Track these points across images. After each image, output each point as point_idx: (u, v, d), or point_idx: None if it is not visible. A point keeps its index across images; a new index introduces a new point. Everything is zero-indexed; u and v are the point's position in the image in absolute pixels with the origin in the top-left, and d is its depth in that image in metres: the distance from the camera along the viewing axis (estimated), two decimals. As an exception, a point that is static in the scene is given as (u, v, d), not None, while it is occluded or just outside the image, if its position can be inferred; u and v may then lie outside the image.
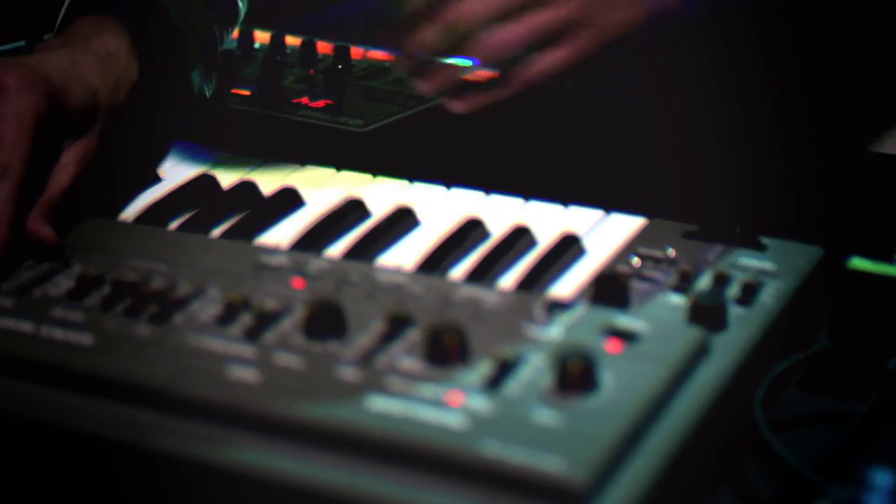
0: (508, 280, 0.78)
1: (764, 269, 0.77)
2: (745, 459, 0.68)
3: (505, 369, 0.65)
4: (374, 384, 0.65)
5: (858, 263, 0.76)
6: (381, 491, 0.60)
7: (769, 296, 0.74)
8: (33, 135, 0.80)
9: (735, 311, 0.72)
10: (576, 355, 0.64)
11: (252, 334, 0.70)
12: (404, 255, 0.82)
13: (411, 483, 0.60)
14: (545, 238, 0.83)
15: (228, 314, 0.71)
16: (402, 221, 0.85)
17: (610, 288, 0.73)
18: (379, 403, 0.63)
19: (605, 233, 0.83)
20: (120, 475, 0.65)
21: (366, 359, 0.67)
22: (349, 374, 0.66)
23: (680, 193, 0.87)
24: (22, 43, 1.23)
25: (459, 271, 0.79)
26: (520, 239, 0.82)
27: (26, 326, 0.71)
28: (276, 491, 0.62)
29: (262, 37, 1.21)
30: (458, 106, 0.94)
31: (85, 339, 0.70)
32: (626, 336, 0.68)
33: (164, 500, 0.64)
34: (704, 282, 0.76)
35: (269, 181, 0.90)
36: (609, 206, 0.87)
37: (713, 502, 0.67)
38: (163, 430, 0.65)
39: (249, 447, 0.63)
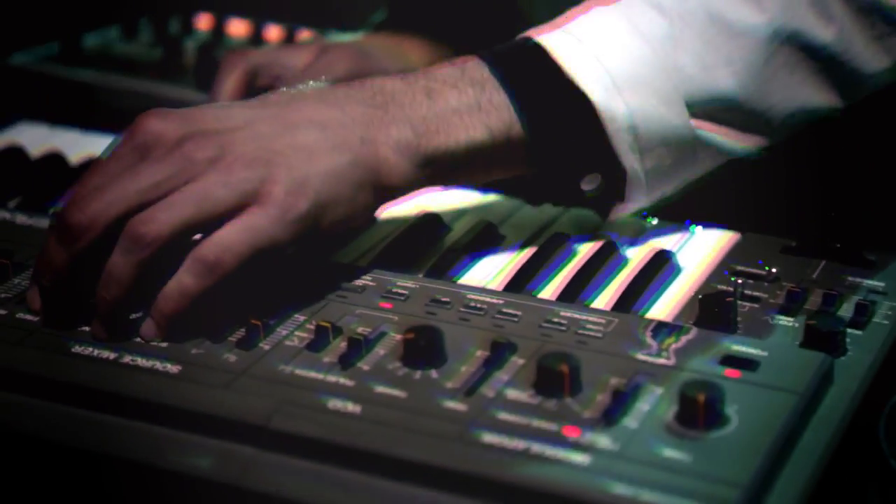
0: (602, 300, 0.75)
1: (874, 288, 0.74)
2: (867, 487, 0.65)
3: (621, 400, 0.61)
4: (483, 417, 0.61)
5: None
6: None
7: (884, 316, 0.71)
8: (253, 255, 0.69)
9: (851, 334, 0.69)
10: (699, 386, 0.60)
11: (346, 362, 0.66)
12: (486, 273, 0.78)
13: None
14: (632, 254, 0.79)
15: (319, 340, 0.68)
16: (484, 237, 0.82)
17: (715, 309, 0.70)
18: (491, 438, 0.60)
19: (696, 248, 0.80)
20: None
21: (470, 389, 0.64)
22: (455, 405, 0.62)
23: (770, 205, 0.83)
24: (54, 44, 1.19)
25: (549, 291, 0.76)
26: (608, 255, 0.79)
27: (108, 353, 0.67)
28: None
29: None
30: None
31: (170, 366, 0.66)
32: (745, 363, 0.64)
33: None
34: (813, 302, 0.72)
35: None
36: (689, 218, 0.83)
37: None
38: (262, 467, 0.61)
39: (353, 486, 0.60)
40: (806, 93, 0.77)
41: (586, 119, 0.75)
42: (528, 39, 0.77)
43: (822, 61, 0.76)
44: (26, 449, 0.66)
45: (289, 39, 1.23)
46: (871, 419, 0.66)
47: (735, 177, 0.80)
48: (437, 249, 0.81)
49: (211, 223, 0.68)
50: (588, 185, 0.77)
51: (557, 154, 0.76)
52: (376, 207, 0.74)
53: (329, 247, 0.79)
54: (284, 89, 0.75)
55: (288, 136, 0.71)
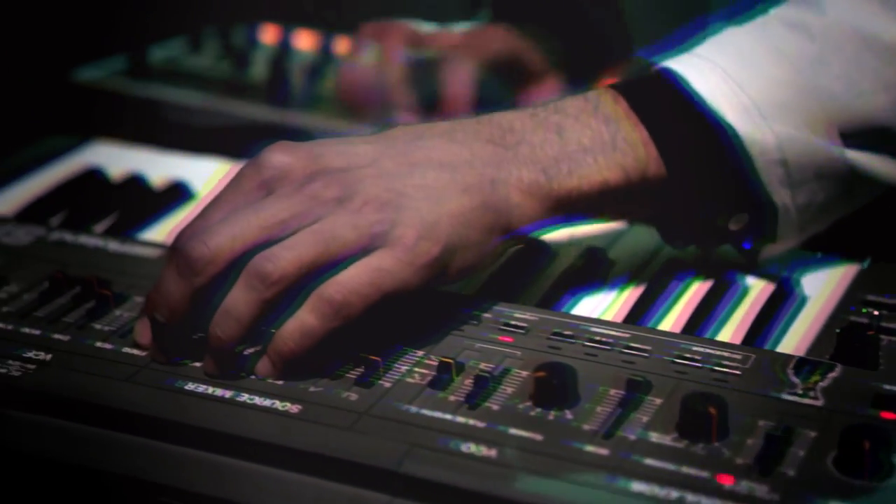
0: (726, 333, 0.72)
1: None
2: None
3: (774, 445, 0.58)
4: (628, 462, 0.58)
5: None
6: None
7: None
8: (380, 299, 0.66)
9: None
10: (862, 431, 0.57)
11: (473, 402, 0.63)
12: (599, 303, 0.75)
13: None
14: (751, 283, 0.76)
15: (441, 377, 0.65)
16: (592, 264, 0.79)
17: (856, 344, 0.66)
18: (640, 486, 0.57)
19: (818, 278, 0.77)
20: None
21: (608, 432, 0.60)
22: (596, 450, 0.59)
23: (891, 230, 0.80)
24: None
25: (669, 322, 0.73)
26: (726, 284, 0.75)
27: (223, 392, 0.64)
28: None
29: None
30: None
31: (289, 406, 0.63)
32: (897, 404, 0.61)
33: None
34: (953, 336, 0.69)
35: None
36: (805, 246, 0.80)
37: None
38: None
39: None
40: None
41: (731, 153, 0.71)
42: (660, 67, 0.73)
43: None
44: (136, 492, 0.63)
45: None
46: None
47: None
48: (544, 277, 0.78)
49: (337, 265, 0.65)
50: (735, 224, 0.73)
51: (700, 192, 0.72)
52: (504, 250, 0.71)
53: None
54: (407, 125, 0.72)
55: (416, 176, 0.68)
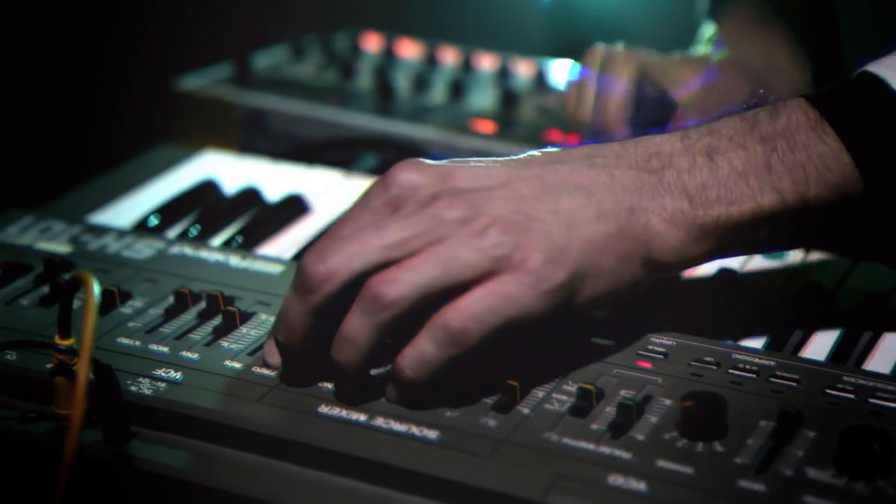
0: (876, 363, 0.69)
1: None
2: None
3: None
4: (784, 500, 0.56)
5: None
6: None
7: None
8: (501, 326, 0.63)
9: None
10: None
11: (618, 431, 0.61)
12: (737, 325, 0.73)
13: None
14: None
15: (582, 404, 0.62)
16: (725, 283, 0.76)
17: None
18: (801, 526, 0.54)
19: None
20: None
21: (762, 465, 0.58)
22: (752, 486, 0.57)
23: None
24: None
25: (814, 350, 0.70)
26: (874, 310, 0.72)
27: (358, 416, 0.63)
28: None
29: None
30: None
31: (427, 432, 0.61)
32: None
33: None
34: None
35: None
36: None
37: None
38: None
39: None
40: None
41: None
42: (857, 73, 0.67)
43: None
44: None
45: (466, 62, 1.19)
46: None
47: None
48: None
49: (458, 289, 0.62)
50: None
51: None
52: (647, 283, 0.67)
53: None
54: (548, 149, 0.69)
55: (549, 200, 0.65)
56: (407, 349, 0.63)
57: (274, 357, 0.66)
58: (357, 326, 0.63)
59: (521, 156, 0.68)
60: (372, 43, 1.25)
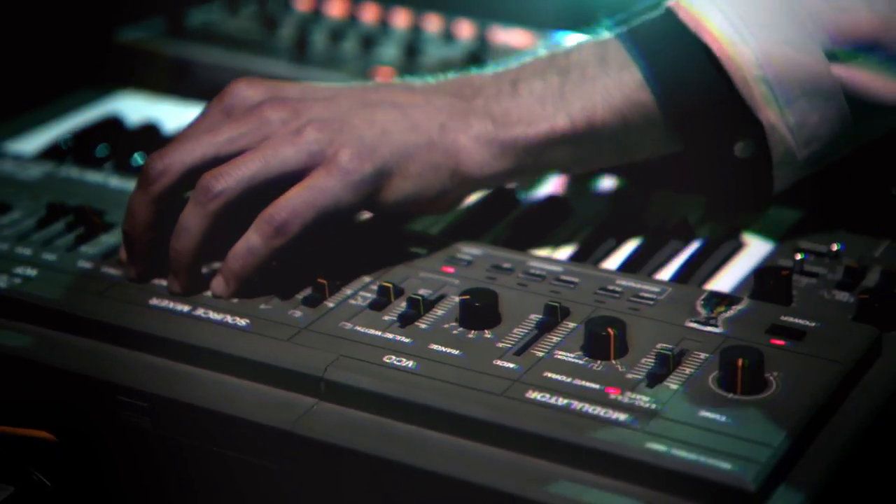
0: (665, 273, 0.76)
1: (936, 267, 0.74)
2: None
3: (666, 365, 0.63)
4: (532, 376, 0.64)
5: None
6: (542, 488, 0.59)
7: (942, 294, 0.71)
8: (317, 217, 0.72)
9: (906, 310, 0.69)
10: (742, 353, 0.61)
11: (406, 322, 0.69)
12: (556, 245, 0.80)
13: (572, 478, 0.59)
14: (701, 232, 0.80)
15: (380, 299, 0.71)
16: (556, 211, 0.84)
17: (771, 283, 0.71)
18: (535, 394, 0.62)
19: (764, 227, 0.81)
20: (271, 458, 0.65)
21: (521, 349, 0.66)
22: (505, 363, 0.65)
23: (838, 186, 0.83)
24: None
25: (614, 262, 0.78)
26: (679, 232, 0.80)
27: (182, 307, 0.71)
28: (432, 482, 0.61)
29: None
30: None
31: (239, 320, 0.70)
32: (793, 334, 0.65)
33: (322, 487, 0.64)
34: (872, 278, 0.73)
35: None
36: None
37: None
38: (317, 416, 0.64)
39: (404, 437, 0.62)
40: None
41: (713, 77, 0.72)
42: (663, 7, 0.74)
43: None
44: (99, 390, 0.69)
45: (385, 20, 1.26)
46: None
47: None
48: (510, 223, 0.83)
49: (280, 183, 0.71)
50: (742, 152, 0.73)
51: (698, 126, 0.73)
52: (459, 195, 0.76)
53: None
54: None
55: (366, 112, 0.73)
56: (237, 244, 0.72)
57: (123, 255, 0.74)
58: (190, 215, 0.71)
59: (354, 82, 0.77)
60: (302, 2, 1.33)
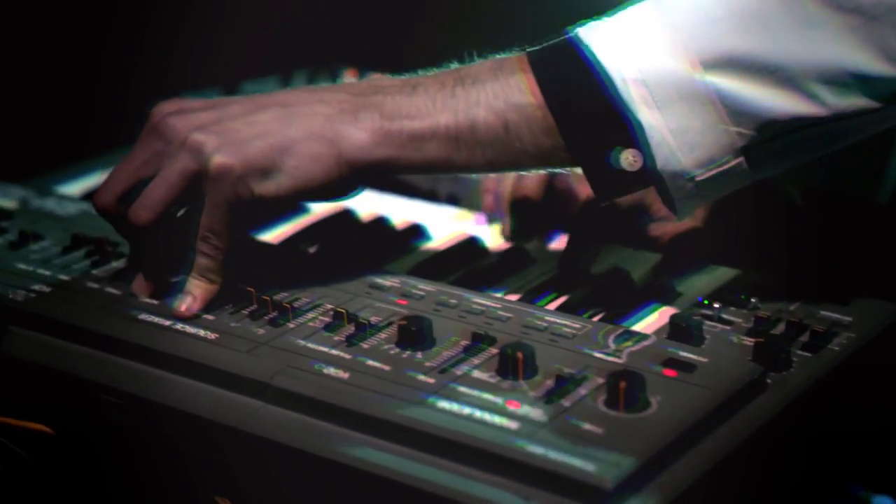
0: (598, 316, 0.85)
1: (840, 321, 0.80)
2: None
3: (562, 384, 0.71)
4: (445, 390, 0.72)
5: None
6: (439, 481, 0.67)
7: (838, 344, 0.78)
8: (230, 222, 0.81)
9: (801, 355, 0.76)
10: (625, 377, 0.69)
11: (351, 341, 0.78)
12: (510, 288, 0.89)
13: (465, 474, 0.67)
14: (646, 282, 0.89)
15: (335, 323, 0.80)
16: (515, 259, 0.93)
17: (682, 326, 0.78)
18: (445, 405, 0.71)
19: (700, 279, 0.88)
20: (224, 451, 0.75)
21: (443, 368, 0.75)
22: (425, 379, 0.73)
23: (773, 249, 0.90)
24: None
25: (554, 305, 0.86)
26: (618, 281, 0.88)
27: (164, 321, 0.82)
28: (356, 475, 0.70)
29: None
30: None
31: (211, 335, 0.80)
32: (685, 367, 0.73)
33: (259, 477, 0.73)
34: (779, 329, 0.80)
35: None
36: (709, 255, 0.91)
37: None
38: (263, 416, 0.74)
39: (335, 437, 0.71)
40: (839, 51, 0.72)
41: (592, 80, 0.75)
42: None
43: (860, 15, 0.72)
44: (83, 390, 0.80)
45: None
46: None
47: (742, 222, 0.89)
48: (472, 268, 0.93)
49: (193, 186, 0.80)
50: (630, 164, 0.76)
51: (569, 136, 0.77)
52: (349, 183, 0.81)
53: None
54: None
55: (249, 115, 0.81)
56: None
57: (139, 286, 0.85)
58: (133, 241, 0.85)
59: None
60: (349, 78, 1.45)
